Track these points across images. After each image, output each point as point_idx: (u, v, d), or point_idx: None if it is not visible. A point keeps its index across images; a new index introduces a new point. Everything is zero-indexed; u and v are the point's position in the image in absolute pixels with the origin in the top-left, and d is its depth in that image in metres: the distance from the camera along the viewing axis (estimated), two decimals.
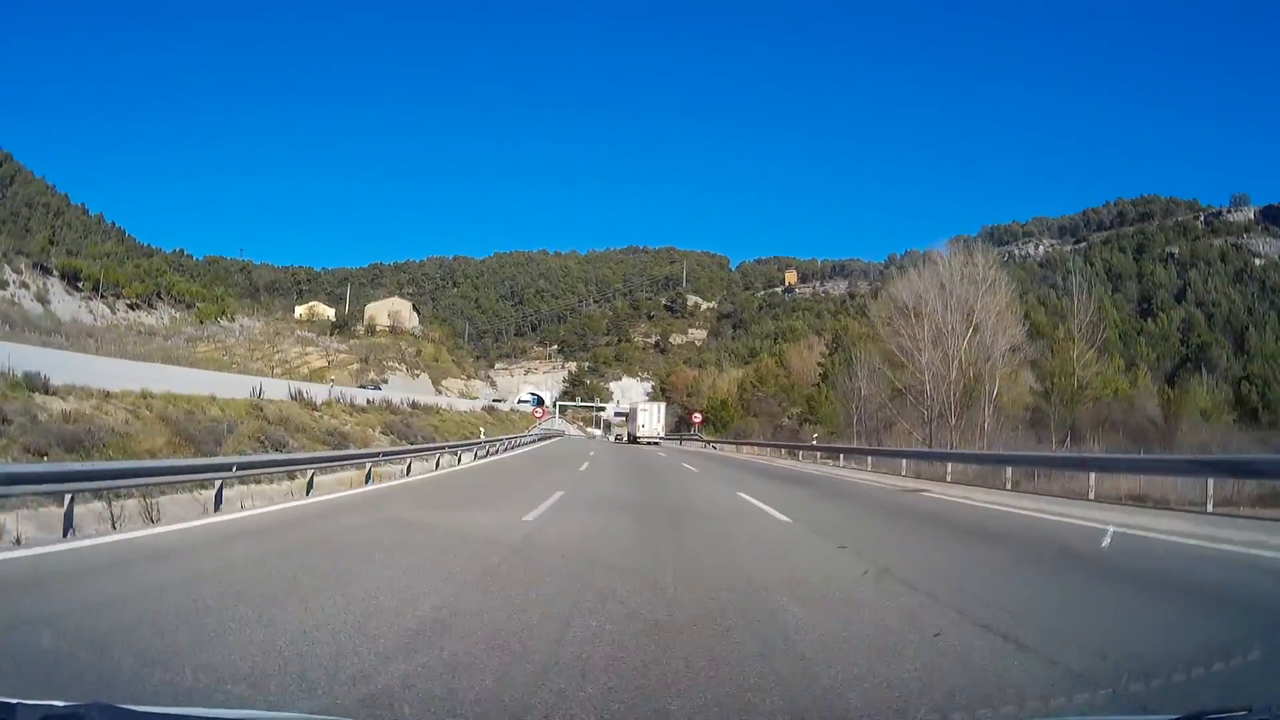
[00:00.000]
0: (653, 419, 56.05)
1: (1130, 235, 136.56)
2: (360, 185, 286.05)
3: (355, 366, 64.74)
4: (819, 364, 72.64)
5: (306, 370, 61.37)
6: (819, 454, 35.06)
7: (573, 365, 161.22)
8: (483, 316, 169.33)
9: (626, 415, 67.80)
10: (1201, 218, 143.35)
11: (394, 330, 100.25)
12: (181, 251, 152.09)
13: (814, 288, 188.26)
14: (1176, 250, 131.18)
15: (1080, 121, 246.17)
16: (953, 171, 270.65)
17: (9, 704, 1.91)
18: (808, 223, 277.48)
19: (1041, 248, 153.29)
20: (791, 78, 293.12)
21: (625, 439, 59.07)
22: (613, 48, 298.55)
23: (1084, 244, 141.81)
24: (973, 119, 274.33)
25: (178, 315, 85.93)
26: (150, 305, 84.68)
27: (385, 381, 62.40)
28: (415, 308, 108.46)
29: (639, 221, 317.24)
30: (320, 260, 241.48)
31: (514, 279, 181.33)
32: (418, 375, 70.44)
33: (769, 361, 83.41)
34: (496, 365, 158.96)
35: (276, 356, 67.20)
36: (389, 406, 31.89)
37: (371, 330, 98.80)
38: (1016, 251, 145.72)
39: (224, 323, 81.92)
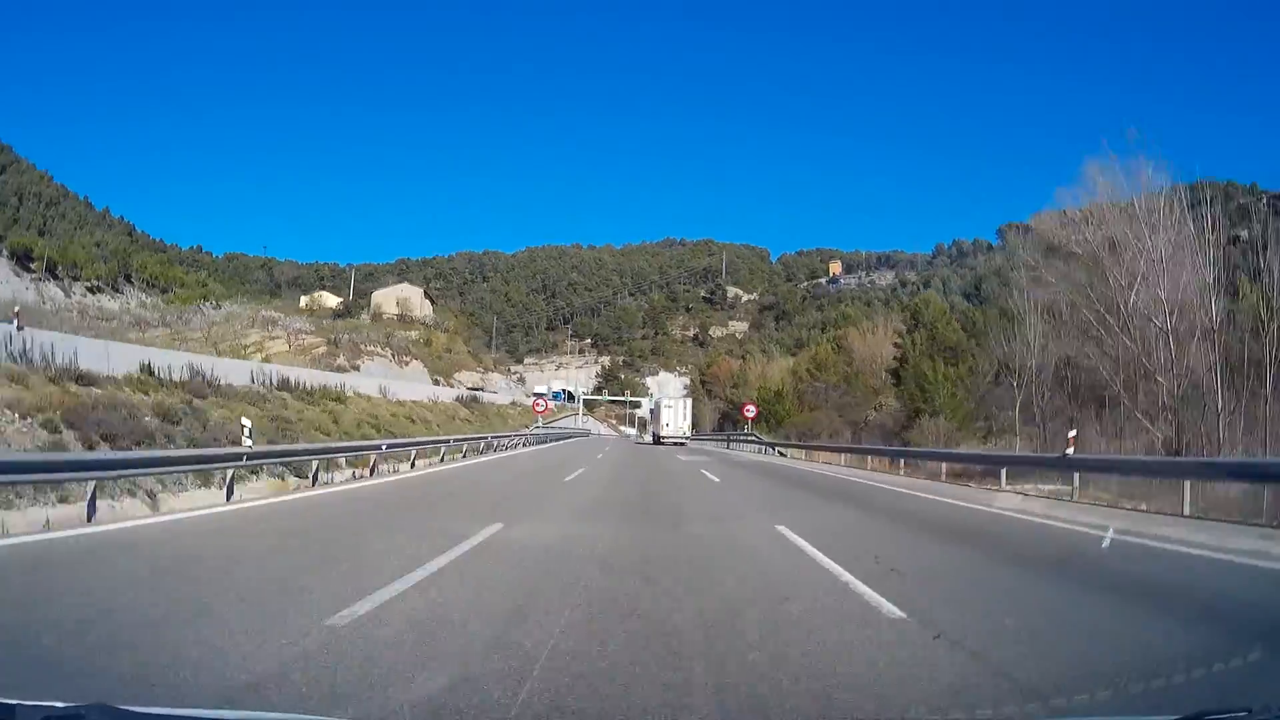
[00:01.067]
0: (678, 416, 49.15)
1: (1192, 220, 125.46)
2: (389, 181, 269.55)
3: (321, 350, 49.48)
4: (895, 343, 55.88)
5: (262, 355, 46.24)
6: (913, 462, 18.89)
7: (606, 360, 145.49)
8: (512, 310, 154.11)
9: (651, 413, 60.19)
10: (1265, 199, 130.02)
11: (402, 319, 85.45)
12: (199, 248, 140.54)
13: (859, 278, 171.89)
14: (1243, 234, 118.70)
15: (1125, 109, 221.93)
16: (998, 160, 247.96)
17: (9, 704, 1.76)
18: (850, 214, 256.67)
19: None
20: (831, 70, 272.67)
21: (652, 440, 51.22)
22: (649, 41, 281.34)
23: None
24: (1019, 108, 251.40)
25: (148, 300, 72.28)
26: (115, 289, 71.01)
27: (357, 367, 46.90)
28: (428, 295, 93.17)
29: (676, 214, 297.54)
30: (346, 256, 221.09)
31: (546, 272, 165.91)
32: (407, 363, 54.85)
33: (827, 347, 66.98)
34: (526, 360, 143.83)
35: (231, 341, 52.35)
36: (189, 381, 15.89)
37: (377, 318, 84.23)
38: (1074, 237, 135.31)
39: (206, 309, 67.80)
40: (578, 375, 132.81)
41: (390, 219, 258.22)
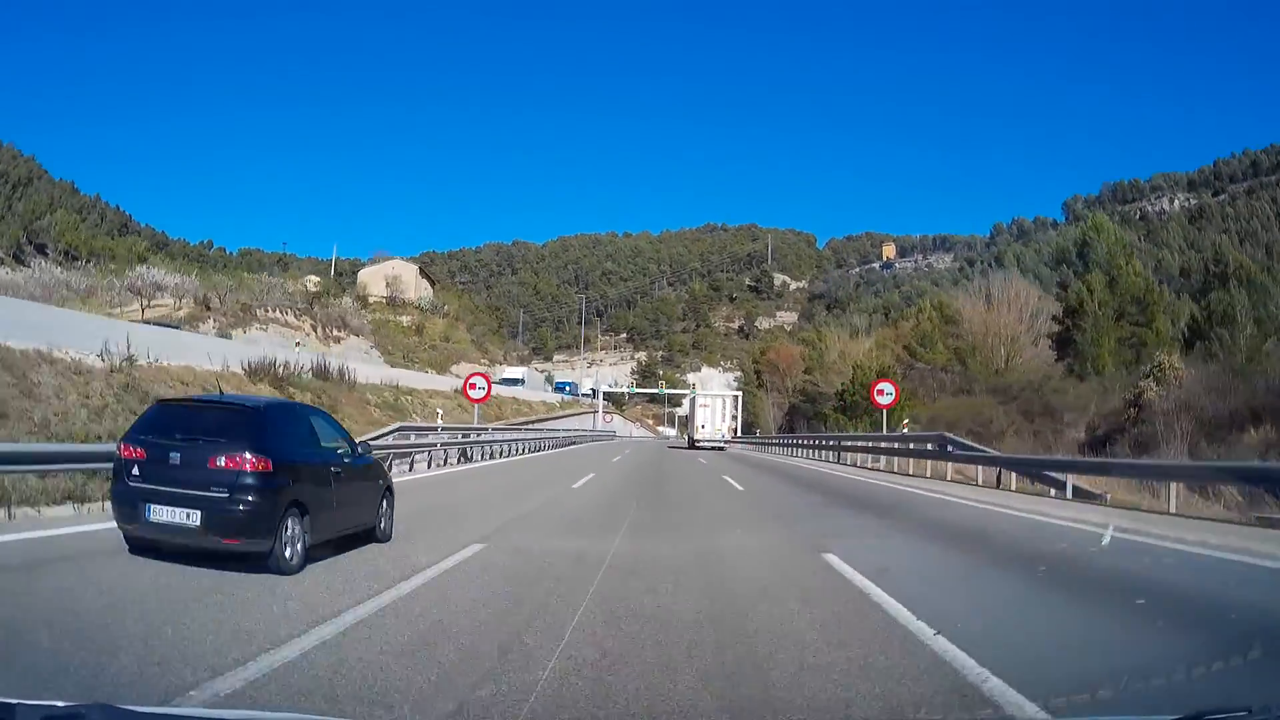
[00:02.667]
0: (715, 416, 41.67)
1: (1275, 184, 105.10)
2: (413, 174, 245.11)
3: (182, 314, 31.47)
4: (1057, 295, 39.27)
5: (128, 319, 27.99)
6: None
7: (643, 354, 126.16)
8: (541, 303, 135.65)
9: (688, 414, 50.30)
10: None
11: (391, 300, 67.35)
12: (210, 243, 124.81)
13: (915, 261, 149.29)
14: None
15: (1192, 77, 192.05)
16: (1053, 138, 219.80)
17: (9, 704, 1.68)
18: (899, 197, 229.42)
19: (1176, 202, 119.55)
20: (877, 44, 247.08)
21: (687, 444, 44.23)
22: (685, 24, 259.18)
23: (1223, 196, 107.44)
24: (1078, 83, 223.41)
25: (61, 273, 55.91)
26: (18, 260, 54.51)
27: (228, 335, 28.08)
28: (424, 274, 74.80)
29: (716, 199, 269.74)
30: (369, 250, 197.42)
31: (578, 262, 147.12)
32: (339, 339, 36.24)
33: (931, 316, 48.09)
34: (555, 358, 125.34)
35: (104, 309, 34.24)
36: None
37: (365, 301, 66.33)
38: (1149, 208, 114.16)
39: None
40: (611, 372, 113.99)
41: (414, 212, 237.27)
